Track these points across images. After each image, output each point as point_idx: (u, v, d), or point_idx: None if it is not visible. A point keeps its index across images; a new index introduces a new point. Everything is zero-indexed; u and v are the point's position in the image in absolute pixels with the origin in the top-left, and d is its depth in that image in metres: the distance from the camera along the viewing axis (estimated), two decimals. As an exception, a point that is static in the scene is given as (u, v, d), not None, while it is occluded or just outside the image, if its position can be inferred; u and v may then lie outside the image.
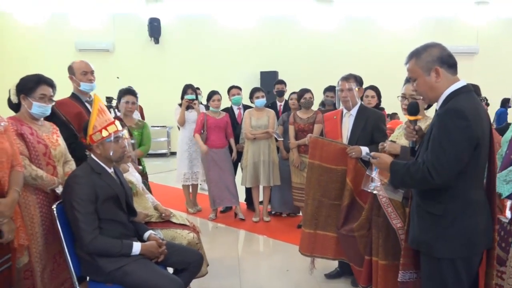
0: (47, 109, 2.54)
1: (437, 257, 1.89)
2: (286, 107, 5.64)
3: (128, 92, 4.07)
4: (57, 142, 2.62)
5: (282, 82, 6.12)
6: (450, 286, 1.87)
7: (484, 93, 3.80)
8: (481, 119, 1.82)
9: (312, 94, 4.85)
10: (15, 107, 2.54)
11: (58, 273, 2.57)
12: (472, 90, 1.90)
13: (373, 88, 4.29)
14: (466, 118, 1.75)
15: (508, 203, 2.26)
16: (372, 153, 2.21)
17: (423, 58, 1.90)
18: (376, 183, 2.47)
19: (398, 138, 2.76)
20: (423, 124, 2.47)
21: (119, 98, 4.08)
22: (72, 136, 2.94)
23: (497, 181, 2.23)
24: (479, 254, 1.92)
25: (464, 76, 1.92)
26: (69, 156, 2.75)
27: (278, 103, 5.91)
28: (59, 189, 2.48)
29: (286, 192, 5.19)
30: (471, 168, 1.82)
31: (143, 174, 3.77)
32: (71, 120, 3.03)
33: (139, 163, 3.87)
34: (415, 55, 1.93)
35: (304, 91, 4.84)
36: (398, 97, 2.77)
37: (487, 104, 4.60)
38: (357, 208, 3.06)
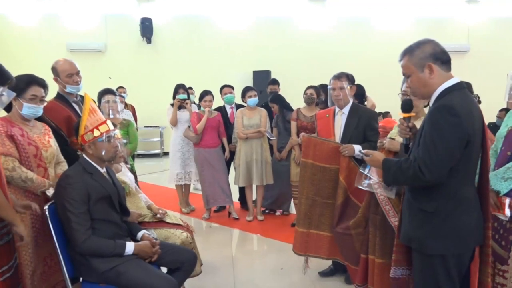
0: (38, 110, 2.49)
1: (428, 254, 1.90)
2: (270, 113, 5.44)
3: (107, 92, 4.00)
4: (49, 144, 2.58)
5: (275, 83, 5.95)
6: (441, 283, 1.88)
7: (475, 91, 3.83)
8: (473, 116, 1.82)
9: (316, 91, 4.73)
10: (6, 107, 2.46)
11: (48, 275, 2.54)
12: (465, 88, 1.90)
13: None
14: (457, 115, 1.76)
15: (507, 200, 2.22)
16: (365, 151, 2.21)
17: (416, 54, 1.90)
18: (370, 180, 2.47)
19: (397, 136, 2.75)
20: (419, 122, 2.47)
21: (99, 100, 4.02)
22: (63, 141, 2.89)
23: (494, 179, 2.23)
24: (469, 251, 1.93)
25: (456, 74, 1.93)
26: (61, 157, 2.72)
27: None
28: (50, 192, 2.45)
29: (279, 190, 5.24)
30: (463, 165, 1.83)
31: (132, 173, 3.75)
32: (60, 125, 2.94)
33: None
34: (408, 52, 1.93)
35: (307, 88, 4.79)
36: (398, 94, 2.77)
37: (479, 102, 4.63)
38: (352, 206, 3.06)
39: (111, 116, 3.75)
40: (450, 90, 1.86)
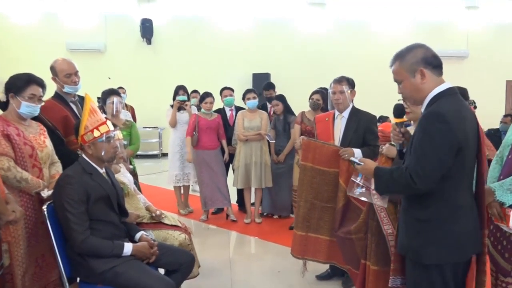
0: (36, 109, 2.49)
1: (424, 263, 1.85)
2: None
3: (112, 92, 4.02)
4: (44, 144, 2.57)
5: (270, 87, 5.92)
6: None
7: (473, 96, 3.84)
8: (465, 122, 1.78)
9: (321, 96, 4.65)
10: (2, 105, 2.48)
11: (40, 276, 2.52)
12: (457, 93, 1.86)
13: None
14: (446, 122, 1.72)
15: None
16: (359, 158, 2.18)
17: (407, 59, 1.86)
18: (362, 189, 2.46)
19: None
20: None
21: (103, 100, 4.03)
22: (59, 142, 2.88)
23: (500, 189, 2.18)
24: (466, 259, 1.86)
25: (454, 80, 1.91)
26: (56, 158, 2.71)
27: (269, 105, 5.82)
28: (45, 192, 2.44)
29: (276, 194, 5.22)
30: (456, 172, 1.79)
31: (134, 174, 3.75)
32: (57, 125, 2.93)
33: (129, 163, 3.86)
34: (399, 57, 1.89)
35: (313, 92, 4.75)
36: (399, 100, 2.76)
37: (475, 107, 4.65)
38: (353, 209, 3.04)
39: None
40: (441, 96, 1.82)
